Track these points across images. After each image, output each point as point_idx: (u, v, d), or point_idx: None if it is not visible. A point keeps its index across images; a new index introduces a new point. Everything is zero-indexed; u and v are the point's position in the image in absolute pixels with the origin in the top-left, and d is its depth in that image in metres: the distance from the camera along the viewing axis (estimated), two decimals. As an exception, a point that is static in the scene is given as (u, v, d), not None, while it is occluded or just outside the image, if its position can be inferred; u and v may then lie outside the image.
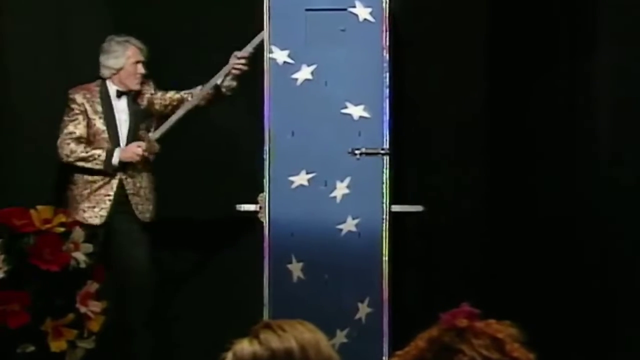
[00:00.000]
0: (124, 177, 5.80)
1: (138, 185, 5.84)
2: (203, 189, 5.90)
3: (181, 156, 6.05)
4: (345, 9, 5.59)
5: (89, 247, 5.36)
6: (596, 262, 5.79)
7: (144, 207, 5.83)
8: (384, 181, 5.54)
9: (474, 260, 5.89)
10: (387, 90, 5.54)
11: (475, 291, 5.52)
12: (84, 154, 5.77)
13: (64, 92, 5.97)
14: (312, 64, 5.59)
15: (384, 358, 5.45)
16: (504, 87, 5.96)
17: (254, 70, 5.80)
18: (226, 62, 5.85)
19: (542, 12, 5.92)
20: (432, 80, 5.99)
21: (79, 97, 5.84)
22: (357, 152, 5.55)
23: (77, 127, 5.81)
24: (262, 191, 5.59)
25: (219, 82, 5.82)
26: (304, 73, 5.60)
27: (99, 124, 5.84)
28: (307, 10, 5.59)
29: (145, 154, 5.78)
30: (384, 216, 5.53)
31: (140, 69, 5.87)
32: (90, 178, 5.80)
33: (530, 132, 5.99)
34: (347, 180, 5.56)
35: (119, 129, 5.85)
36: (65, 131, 5.82)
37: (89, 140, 5.82)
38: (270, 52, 5.61)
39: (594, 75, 5.84)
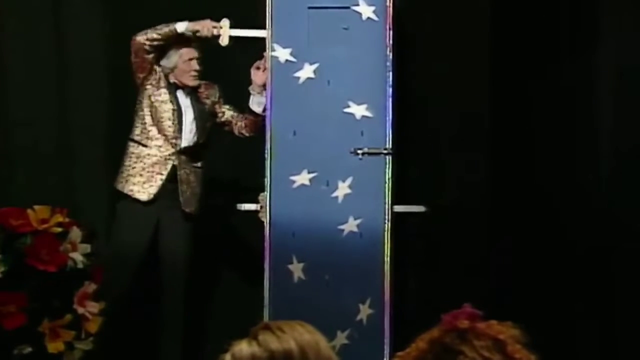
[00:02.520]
0: (177, 162, 5.69)
1: (188, 176, 5.72)
2: (203, 188, 5.85)
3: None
4: (348, 7, 5.57)
5: (86, 248, 5.34)
6: (599, 261, 5.77)
7: (189, 198, 5.73)
8: (386, 181, 5.51)
9: (476, 261, 5.87)
10: (390, 90, 5.52)
11: (477, 292, 5.48)
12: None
13: (61, 92, 5.93)
14: (314, 63, 5.56)
15: (385, 359, 5.42)
16: (508, 86, 5.94)
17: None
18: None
19: (545, 8, 5.89)
20: (435, 79, 5.97)
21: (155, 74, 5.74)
22: (359, 151, 5.52)
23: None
24: (263, 191, 5.55)
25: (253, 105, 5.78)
26: (307, 72, 5.57)
27: (164, 109, 5.71)
28: (310, 8, 5.56)
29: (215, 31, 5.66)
30: (386, 216, 5.50)
31: (195, 65, 5.77)
32: (146, 151, 5.70)
33: (534, 133, 5.97)
34: (349, 180, 5.53)
35: (183, 121, 5.73)
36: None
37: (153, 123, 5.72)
38: (273, 50, 5.58)
39: (597, 70, 5.82)
